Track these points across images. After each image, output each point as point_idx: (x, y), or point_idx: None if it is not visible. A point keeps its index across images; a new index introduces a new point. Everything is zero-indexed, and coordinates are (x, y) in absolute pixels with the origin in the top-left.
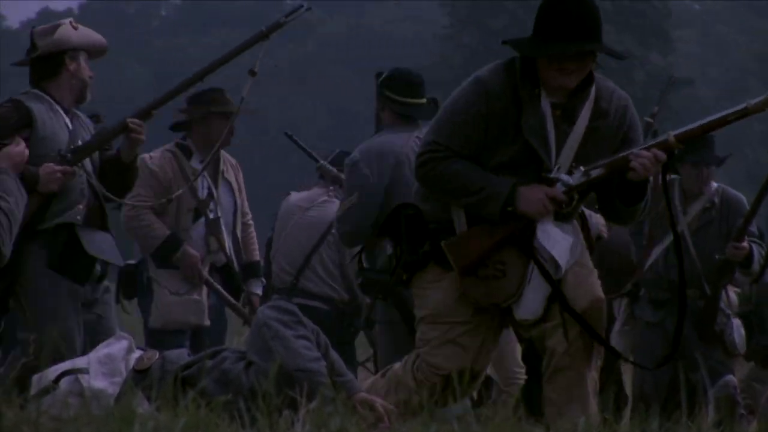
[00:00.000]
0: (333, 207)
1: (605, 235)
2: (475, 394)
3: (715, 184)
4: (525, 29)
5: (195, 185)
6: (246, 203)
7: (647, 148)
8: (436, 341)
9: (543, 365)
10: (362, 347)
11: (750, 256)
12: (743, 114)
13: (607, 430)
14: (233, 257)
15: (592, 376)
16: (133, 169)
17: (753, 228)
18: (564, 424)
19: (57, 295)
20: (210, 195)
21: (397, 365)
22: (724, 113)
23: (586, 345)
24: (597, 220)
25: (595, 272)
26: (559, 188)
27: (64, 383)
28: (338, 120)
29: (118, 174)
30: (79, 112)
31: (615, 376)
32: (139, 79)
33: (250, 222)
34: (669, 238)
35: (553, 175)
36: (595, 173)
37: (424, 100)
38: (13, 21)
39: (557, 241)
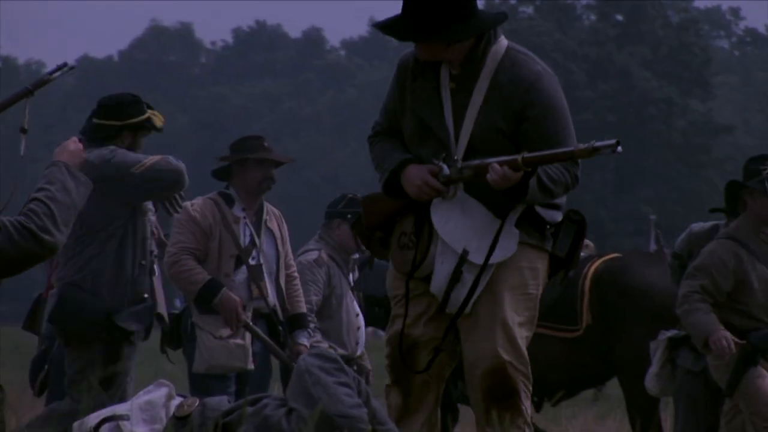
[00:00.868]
0: None
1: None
2: None
3: None
4: (567, 76)
5: (237, 232)
6: (290, 255)
7: (500, 164)
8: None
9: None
10: None
11: None
12: (587, 153)
13: None
14: (277, 305)
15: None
16: None
17: None
18: None
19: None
20: (252, 243)
21: None
22: (572, 148)
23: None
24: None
25: (526, 315)
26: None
27: (104, 430)
28: None
29: None
30: None
31: (655, 421)
32: (181, 127)
33: (295, 274)
34: None
35: (438, 162)
36: (465, 173)
37: None
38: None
39: (449, 219)
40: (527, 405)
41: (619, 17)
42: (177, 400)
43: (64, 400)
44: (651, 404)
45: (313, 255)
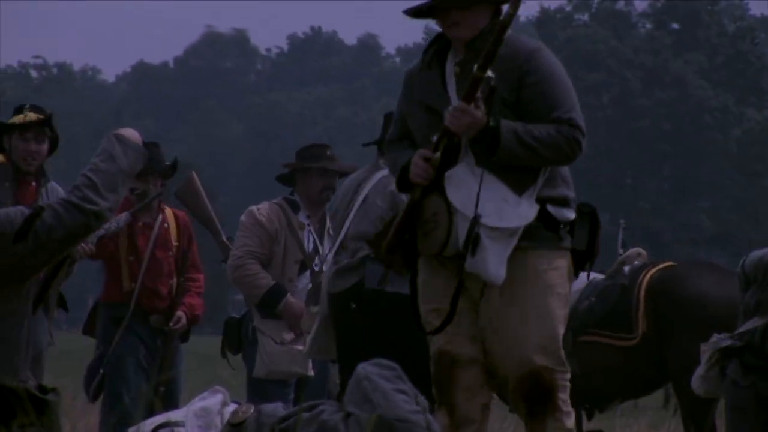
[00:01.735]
0: None
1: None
2: None
3: None
4: (623, 84)
5: (301, 238)
6: None
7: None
8: None
9: None
10: None
11: None
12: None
13: None
14: None
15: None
16: None
17: None
18: None
19: None
20: (315, 250)
21: None
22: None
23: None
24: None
25: (559, 313)
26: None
27: None
28: None
29: None
30: None
31: (710, 429)
32: (236, 134)
33: None
34: None
35: (434, 137)
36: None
37: None
38: (109, 74)
39: (462, 187)
40: (564, 397)
41: (675, 25)
42: (232, 407)
43: None
44: (706, 412)
45: None
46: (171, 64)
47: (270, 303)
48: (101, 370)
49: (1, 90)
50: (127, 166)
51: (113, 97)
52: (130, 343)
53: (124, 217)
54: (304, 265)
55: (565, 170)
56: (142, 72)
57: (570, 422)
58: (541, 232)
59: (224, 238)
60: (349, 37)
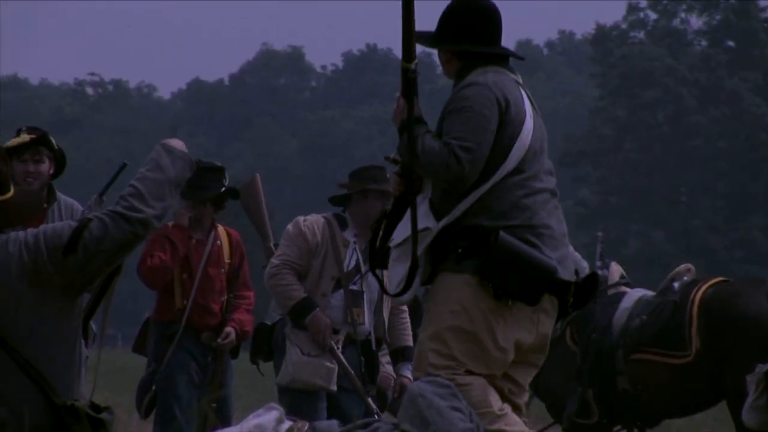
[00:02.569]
0: None
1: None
2: None
3: None
4: (678, 102)
5: (343, 255)
6: None
7: None
8: None
9: None
10: None
11: None
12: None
13: None
14: (372, 335)
15: None
16: None
17: None
18: None
19: None
20: (357, 269)
21: None
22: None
23: None
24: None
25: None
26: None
27: None
28: None
29: None
30: None
31: None
32: (290, 151)
33: (403, 307)
34: None
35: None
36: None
37: None
38: (164, 92)
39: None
40: None
41: (731, 43)
42: (287, 424)
43: None
44: None
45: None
46: (226, 82)
47: (299, 314)
48: (153, 387)
49: (57, 107)
50: (174, 175)
51: (169, 114)
52: (182, 360)
53: None
54: (339, 283)
55: (495, 200)
56: (197, 89)
57: None
58: (436, 257)
59: (271, 244)
60: None
